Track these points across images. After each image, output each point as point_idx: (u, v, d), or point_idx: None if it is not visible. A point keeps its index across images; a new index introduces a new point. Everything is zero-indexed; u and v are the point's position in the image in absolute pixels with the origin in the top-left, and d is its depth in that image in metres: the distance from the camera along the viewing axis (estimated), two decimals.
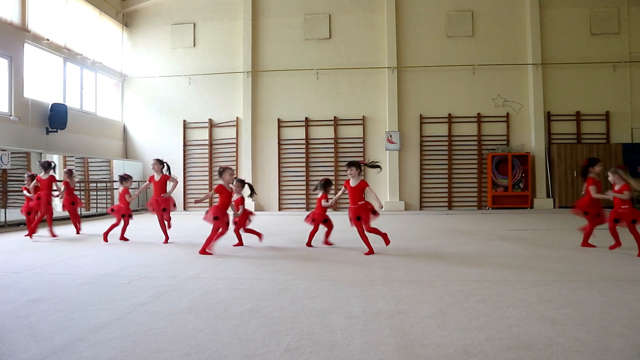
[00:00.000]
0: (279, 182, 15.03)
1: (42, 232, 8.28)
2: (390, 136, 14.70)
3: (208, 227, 6.23)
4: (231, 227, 6.37)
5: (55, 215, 8.71)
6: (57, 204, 9.93)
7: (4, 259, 5.89)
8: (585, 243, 6.32)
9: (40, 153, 11.47)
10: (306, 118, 15.07)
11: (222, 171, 6.23)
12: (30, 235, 7.93)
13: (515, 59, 14.70)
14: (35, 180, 8.10)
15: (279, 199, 14.97)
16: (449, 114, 14.76)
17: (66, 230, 8.86)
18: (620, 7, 14.49)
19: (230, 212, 6.28)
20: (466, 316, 3.23)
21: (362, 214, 5.96)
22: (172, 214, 7.74)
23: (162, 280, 4.47)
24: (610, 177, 5.88)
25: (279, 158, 15.11)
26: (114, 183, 14.61)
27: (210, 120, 15.43)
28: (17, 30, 11.37)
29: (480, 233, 8.33)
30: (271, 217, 12.50)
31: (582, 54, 14.50)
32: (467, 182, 14.72)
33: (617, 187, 5.81)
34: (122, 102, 15.99)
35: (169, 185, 7.53)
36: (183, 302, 3.66)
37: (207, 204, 14.24)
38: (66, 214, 9.25)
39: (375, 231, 6.05)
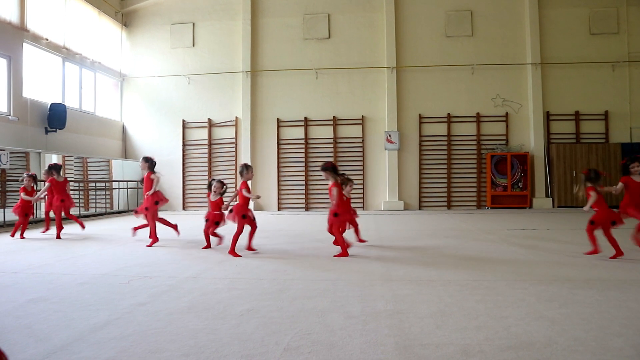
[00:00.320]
0: (278, 182, 15.02)
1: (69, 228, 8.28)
2: (390, 136, 14.70)
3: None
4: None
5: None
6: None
7: (3, 259, 5.88)
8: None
9: (39, 153, 11.45)
10: (305, 118, 15.06)
11: (242, 170, 6.18)
12: (22, 235, 7.97)
13: (515, 58, 14.70)
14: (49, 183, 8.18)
15: (278, 198, 14.97)
16: (448, 114, 14.76)
17: (71, 229, 8.85)
18: (619, 7, 14.50)
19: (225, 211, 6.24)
20: (465, 316, 3.23)
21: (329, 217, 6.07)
22: (167, 213, 7.71)
23: (161, 280, 4.47)
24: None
25: (278, 158, 15.11)
26: (113, 183, 14.62)
27: (209, 120, 15.42)
28: (16, 29, 11.35)
29: (480, 233, 8.33)
30: (270, 217, 12.49)
31: (581, 53, 14.51)
32: (466, 182, 14.72)
33: None
34: (121, 101, 15.97)
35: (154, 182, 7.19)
36: (182, 302, 3.66)
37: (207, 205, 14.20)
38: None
39: (337, 233, 6.04)
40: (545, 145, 14.51)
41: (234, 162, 15.18)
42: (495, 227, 9.28)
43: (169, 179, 14.36)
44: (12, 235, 8.01)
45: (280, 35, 15.30)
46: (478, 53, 14.76)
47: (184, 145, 15.55)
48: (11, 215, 10.08)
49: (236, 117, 15.29)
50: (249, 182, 6.35)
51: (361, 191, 14.58)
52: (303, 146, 15.04)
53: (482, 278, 4.45)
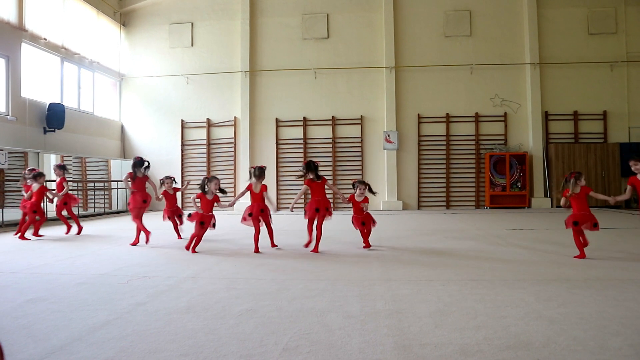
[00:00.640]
0: (277, 182, 15.02)
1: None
2: (388, 136, 14.70)
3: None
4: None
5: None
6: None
7: (2, 259, 5.87)
8: None
9: (38, 153, 11.44)
10: (304, 118, 15.06)
11: (258, 172, 6.61)
12: (22, 235, 7.87)
13: (513, 58, 14.72)
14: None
15: (277, 198, 14.96)
16: (447, 114, 14.78)
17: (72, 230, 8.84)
18: (617, 7, 14.53)
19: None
20: (464, 315, 3.23)
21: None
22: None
23: (160, 280, 4.47)
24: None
25: (277, 158, 15.11)
26: (112, 183, 14.61)
27: (208, 119, 15.41)
28: (14, 29, 11.33)
29: (478, 232, 8.34)
30: None
31: (579, 53, 14.53)
32: (465, 182, 14.73)
33: None
34: (119, 101, 15.95)
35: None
36: (181, 302, 3.66)
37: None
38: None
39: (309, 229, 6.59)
40: (543, 145, 14.53)
41: (232, 162, 15.18)
42: (494, 226, 9.29)
43: None
44: (35, 234, 7.90)
45: (279, 35, 15.30)
46: (477, 53, 14.77)
47: (182, 145, 15.53)
48: (11, 215, 10.08)
49: (235, 117, 15.28)
50: (254, 185, 6.71)
51: None
52: (302, 146, 15.03)
53: (481, 278, 4.45)
